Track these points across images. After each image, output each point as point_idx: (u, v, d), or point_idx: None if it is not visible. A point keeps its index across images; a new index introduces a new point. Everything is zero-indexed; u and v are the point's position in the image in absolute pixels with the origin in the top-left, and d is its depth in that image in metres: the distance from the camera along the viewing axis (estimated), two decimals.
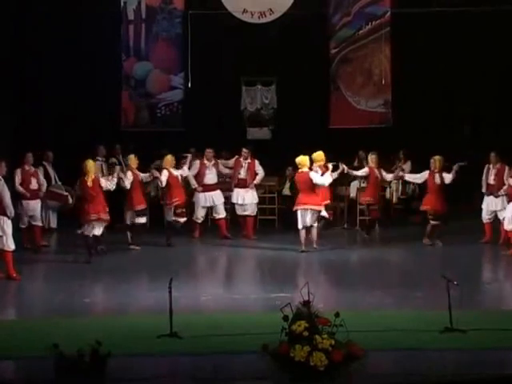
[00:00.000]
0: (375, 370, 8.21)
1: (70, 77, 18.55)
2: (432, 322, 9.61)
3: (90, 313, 10.67)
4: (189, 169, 16.43)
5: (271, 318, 8.69)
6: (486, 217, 15.64)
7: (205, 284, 12.82)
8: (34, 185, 15.40)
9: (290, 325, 7.97)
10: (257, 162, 16.95)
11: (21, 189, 15.15)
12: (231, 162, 17.07)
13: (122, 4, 19.40)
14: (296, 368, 7.74)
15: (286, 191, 18.28)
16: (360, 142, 18.04)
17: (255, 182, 16.87)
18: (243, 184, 16.85)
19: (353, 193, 18.01)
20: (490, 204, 15.57)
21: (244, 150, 17.00)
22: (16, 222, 13.95)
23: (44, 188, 15.86)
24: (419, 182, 16.07)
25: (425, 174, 15.54)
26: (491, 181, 15.61)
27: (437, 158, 15.45)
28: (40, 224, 15.63)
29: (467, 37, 18.95)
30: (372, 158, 16.20)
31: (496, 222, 15.53)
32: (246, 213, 16.79)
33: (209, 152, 16.74)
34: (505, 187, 15.21)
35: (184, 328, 9.30)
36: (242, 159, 16.89)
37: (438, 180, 15.32)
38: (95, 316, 10.48)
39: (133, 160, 15.72)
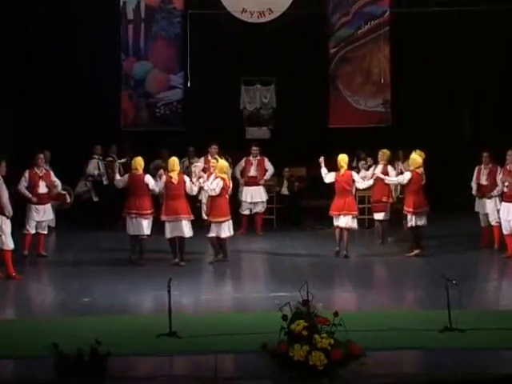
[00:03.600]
0: (374, 369, 8.21)
1: (70, 77, 18.55)
2: (431, 321, 9.63)
3: (90, 312, 10.67)
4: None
5: (270, 317, 8.71)
6: (483, 220, 15.26)
7: (204, 283, 12.83)
8: (42, 188, 14.47)
9: (289, 324, 7.99)
10: (266, 159, 17.23)
11: (26, 192, 14.30)
12: (242, 162, 17.24)
13: (121, 4, 19.39)
14: (295, 367, 7.76)
15: (285, 191, 18.32)
16: (359, 141, 18.05)
17: (265, 177, 17.18)
18: (253, 182, 17.00)
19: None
20: (482, 207, 15.15)
21: (253, 147, 17.34)
22: (17, 225, 13.86)
23: (59, 188, 14.92)
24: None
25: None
26: (483, 181, 15.13)
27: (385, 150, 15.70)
28: (45, 232, 14.81)
29: (466, 36, 18.97)
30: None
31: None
32: (255, 210, 17.09)
33: (214, 148, 16.52)
34: (498, 188, 14.78)
35: (183, 327, 9.32)
36: (251, 157, 17.19)
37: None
38: (95, 315, 10.49)
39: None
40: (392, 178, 15.25)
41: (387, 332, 9.39)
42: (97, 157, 17.97)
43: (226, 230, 13.88)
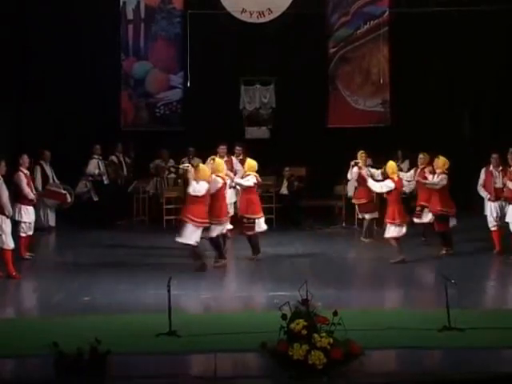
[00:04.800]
0: (373, 368, 8.23)
1: (70, 76, 18.59)
2: (430, 320, 9.64)
3: (90, 311, 10.68)
4: None
5: (270, 316, 8.73)
6: (492, 224, 14.74)
7: (203, 283, 12.84)
8: (33, 189, 14.30)
9: (288, 323, 8.00)
10: (234, 159, 16.55)
11: (31, 193, 14.00)
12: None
13: (121, 4, 19.44)
14: (295, 366, 7.78)
15: (284, 190, 18.34)
16: (358, 141, 18.05)
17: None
18: None
19: (350, 192, 18.01)
20: (496, 209, 14.64)
21: (237, 147, 17.02)
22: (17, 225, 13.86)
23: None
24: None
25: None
26: (499, 184, 14.57)
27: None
28: (32, 233, 14.40)
29: (466, 36, 18.99)
30: (420, 159, 15.50)
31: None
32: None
33: (222, 149, 15.94)
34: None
35: (183, 326, 9.33)
36: (234, 157, 16.72)
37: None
38: (95, 314, 10.50)
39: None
40: (434, 181, 14.77)
41: (386, 331, 9.39)
42: (97, 157, 18.02)
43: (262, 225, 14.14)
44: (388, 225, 13.91)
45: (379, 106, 19.58)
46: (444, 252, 14.49)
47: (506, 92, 19.05)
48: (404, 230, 13.85)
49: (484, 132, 19.31)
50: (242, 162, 16.69)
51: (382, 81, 19.48)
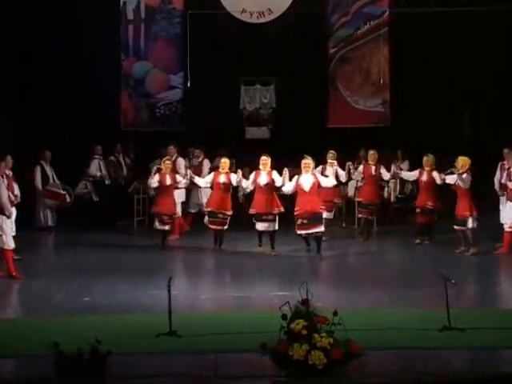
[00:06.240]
0: (373, 368, 8.22)
1: (70, 76, 18.61)
2: (430, 320, 9.63)
3: (90, 311, 10.68)
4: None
5: (270, 316, 8.72)
6: (503, 221, 14.58)
7: (203, 283, 12.84)
8: (16, 190, 13.78)
9: (288, 323, 8.00)
10: (180, 158, 16.71)
11: (12, 196, 13.37)
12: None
13: (121, 4, 19.46)
14: (295, 366, 7.77)
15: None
16: (358, 141, 18.08)
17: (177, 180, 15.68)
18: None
19: (351, 191, 18.04)
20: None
21: (196, 150, 17.41)
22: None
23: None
24: (413, 179, 16.15)
25: (417, 172, 15.61)
26: (503, 180, 14.53)
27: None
28: None
29: (466, 36, 19.00)
30: (370, 155, 16.17)
31: None
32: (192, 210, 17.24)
33: (170, 149, 16.55)
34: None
35: (183, 327, 9.33)
36: (182, 158, 16.91)
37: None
38: (95, 315, 10.50)
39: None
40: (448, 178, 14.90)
41: (386, 331, 9.39)
42: (97, 157, 18.03)
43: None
44: (465, 217, 14.22)
45: (379, 106, 19.60)
46: (423, 241, 15.34)
47: (506, 92, 19.06)
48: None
49: (484, 132, 19.32)
50: (201, 165, 17.10)
51: (382, 81, 19.50)
